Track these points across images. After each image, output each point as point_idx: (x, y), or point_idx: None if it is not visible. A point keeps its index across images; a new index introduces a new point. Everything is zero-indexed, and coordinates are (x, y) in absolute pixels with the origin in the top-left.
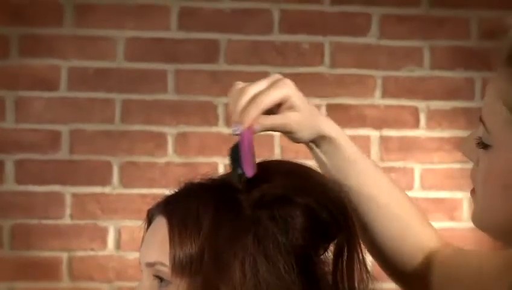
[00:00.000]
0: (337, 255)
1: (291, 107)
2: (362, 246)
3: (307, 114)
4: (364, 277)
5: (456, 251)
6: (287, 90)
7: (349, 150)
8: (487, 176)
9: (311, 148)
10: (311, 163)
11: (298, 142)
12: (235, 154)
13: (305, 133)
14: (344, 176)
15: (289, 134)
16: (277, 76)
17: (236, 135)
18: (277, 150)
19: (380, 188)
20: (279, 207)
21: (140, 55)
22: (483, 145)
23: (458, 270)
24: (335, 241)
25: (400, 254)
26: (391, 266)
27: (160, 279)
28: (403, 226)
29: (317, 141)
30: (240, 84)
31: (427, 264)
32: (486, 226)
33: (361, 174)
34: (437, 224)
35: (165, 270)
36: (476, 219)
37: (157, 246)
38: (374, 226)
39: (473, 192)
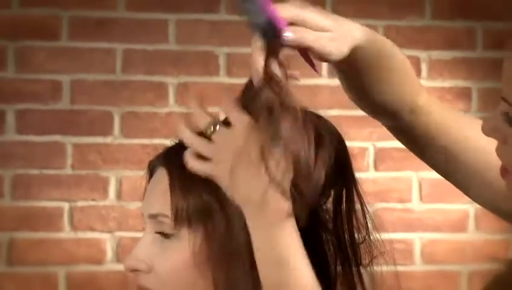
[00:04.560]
0: (336, 203)
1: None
2: (361, 194)
3: (339, 29)
4: (364, 223)
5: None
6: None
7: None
8: None
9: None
10: None
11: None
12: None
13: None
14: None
15: (325, 56)
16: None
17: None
18: None
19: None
20: None
21: (142, 5)
22: None
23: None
24: (334, 189)
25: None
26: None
27: (163, 231)
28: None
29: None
30: None
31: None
32: None
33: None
34: None
35: (168, 221)
36: None
37: (159, 197)
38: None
39: (505, 171)
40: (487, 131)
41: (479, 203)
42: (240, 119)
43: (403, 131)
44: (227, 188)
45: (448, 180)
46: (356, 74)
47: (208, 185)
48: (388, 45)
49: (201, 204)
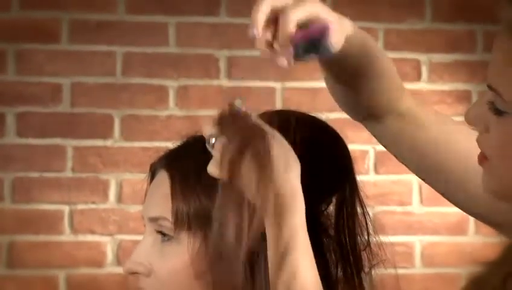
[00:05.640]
0: (339, 208)
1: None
2: (363, 199)
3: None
4: (365, 229)
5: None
6: (313, 8)
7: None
8: (506, 144)
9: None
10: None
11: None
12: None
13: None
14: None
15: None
16: None
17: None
18: (278, 103)
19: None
20: None
21: (142, 8)
22: (498, 111)
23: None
24: (337, 195)
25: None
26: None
27: (163, 234)
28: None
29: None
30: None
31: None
32: (506, 194)
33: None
34: None
35: (168, 225)
36: (493, 187)
37: (160, 201)
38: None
39: (484, 159)
40: (470, 119)
41: (471, 214)
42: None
43: (387, 135)
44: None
45: (428, 184)
46: (345, 67)
47: (208, 189)
48: (371, 40)
49: (201, 208)
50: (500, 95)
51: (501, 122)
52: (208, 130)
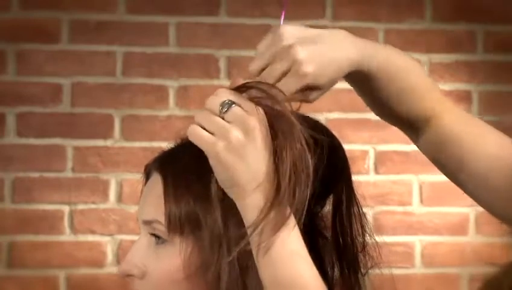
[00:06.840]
0: (335, 209)
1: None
2: (359, 199)
3: (324, 60)
4: (362, 230)
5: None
6: (290, 60)
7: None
8: None
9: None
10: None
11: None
12: None
13: (328, 79)
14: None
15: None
16: (275, 37)
17: None
18: None
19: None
20: None
21: (142, 8)
22: None
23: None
24: (333, 196)
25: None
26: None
27: (157, 237)
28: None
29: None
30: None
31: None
32: None
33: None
34: (440, 177)
35: (161, 228)
36: None
37: (154, 204)
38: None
39: None
40: None
41: (491, 213)
42: (256, 110)
43: (417, 138)
44: (214, 167)
45: (461, 189)
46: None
47: (200, 192)
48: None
49: (193, 211)
50: None
51: None
52: (223, 95)
